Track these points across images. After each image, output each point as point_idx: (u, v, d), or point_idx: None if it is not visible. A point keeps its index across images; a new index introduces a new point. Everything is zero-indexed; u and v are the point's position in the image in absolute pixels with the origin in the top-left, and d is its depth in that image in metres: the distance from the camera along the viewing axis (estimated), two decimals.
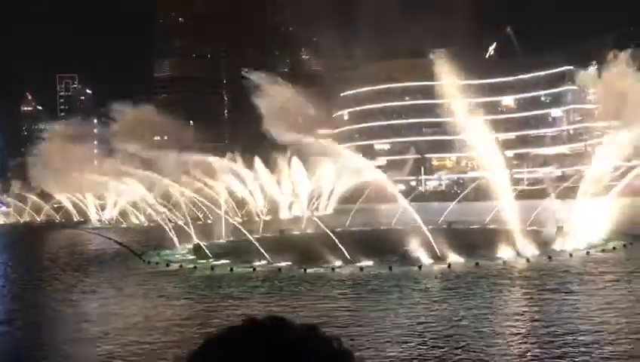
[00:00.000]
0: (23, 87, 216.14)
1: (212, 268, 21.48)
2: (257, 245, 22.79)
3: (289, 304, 14.63)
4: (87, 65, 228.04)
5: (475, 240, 23.99)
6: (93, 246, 35.08)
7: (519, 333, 11.01)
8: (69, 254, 30.12)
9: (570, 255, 20.99)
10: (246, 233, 25.88)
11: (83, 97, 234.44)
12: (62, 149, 64.40)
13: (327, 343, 1.16)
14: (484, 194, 36.42)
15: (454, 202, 38.67)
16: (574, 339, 10.19)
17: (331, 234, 23.18)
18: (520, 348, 10.09)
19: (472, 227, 33.47)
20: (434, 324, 11.81)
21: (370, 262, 20.31)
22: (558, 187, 28.89)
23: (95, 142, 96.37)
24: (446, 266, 19.47)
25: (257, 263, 21.48)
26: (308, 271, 19.61)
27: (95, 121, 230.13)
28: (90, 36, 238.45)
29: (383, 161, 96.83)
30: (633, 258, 20.06)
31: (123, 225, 56.72)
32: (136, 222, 56.87)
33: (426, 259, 20.26)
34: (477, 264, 19.51)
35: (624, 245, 22.98)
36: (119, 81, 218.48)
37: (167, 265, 22.91)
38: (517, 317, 12.34)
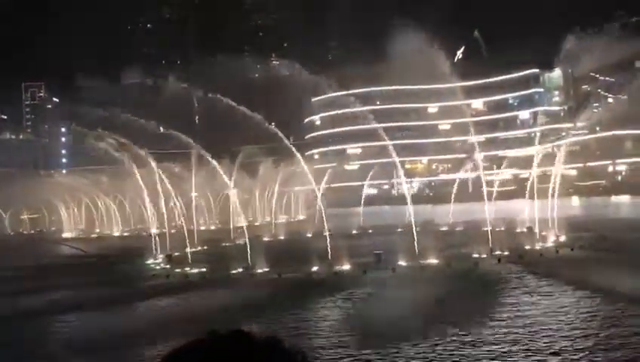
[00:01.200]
0: None
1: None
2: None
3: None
4: (53, 74, 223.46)
5: (450, 241, 24.39)
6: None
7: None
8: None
9: (541, 254, 21.41)
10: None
11: (50, 106, 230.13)
12: None
13: (290, 356, 1.12)
14: (458, 196, 36.99)
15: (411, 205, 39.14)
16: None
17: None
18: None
19: (443, 229, 33.86)
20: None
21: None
22: (527, 188, 29.43)
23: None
24: (419, 268, 19.69)
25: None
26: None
27: (63, 129, 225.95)
28: (57, 44, 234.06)
29: (356, 165, 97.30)
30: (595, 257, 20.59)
31: (93, 235, 55.93)
32: (107, 231, 56.18)
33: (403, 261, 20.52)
34: (449, 265, 19.77)
35: (592, 243, 23.52)
36: (87, 88, 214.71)
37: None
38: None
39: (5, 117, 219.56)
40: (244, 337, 1.12)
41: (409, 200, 26.88)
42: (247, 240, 22.89)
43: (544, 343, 9.93)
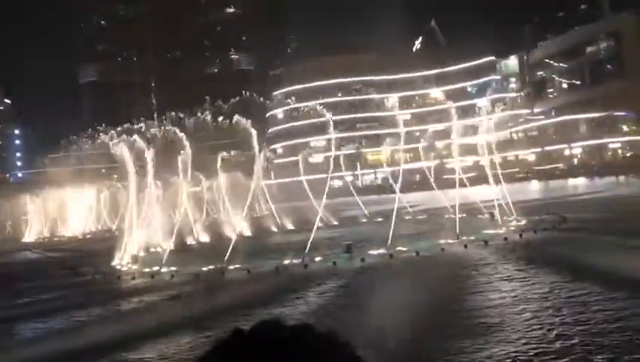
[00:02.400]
0: None
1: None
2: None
3: None
4: (4, 74, 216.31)
5: (416, 229, 24.70)
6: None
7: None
8: None
9: (505, 238, 21.83)
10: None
11: (2, 108, 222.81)
12: None
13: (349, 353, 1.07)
14: (421, 185, 37.44)
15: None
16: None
17: None
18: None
19: (408, 217, 34.23)
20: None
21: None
22: (488, 174, 29.96)
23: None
24: (388, 256, 19.86)
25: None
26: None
27: (17, 131, 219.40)
28: (6, 43, 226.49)
29: (319, 157, 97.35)
30: (559, 240, 21.14)
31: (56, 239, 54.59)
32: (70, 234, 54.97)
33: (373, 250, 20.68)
34: (417, 254, 19.99)
35: (553, 225, 24.13)
36: (41, 89, 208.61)
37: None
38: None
39: None
40: (278, 326, 1.07)
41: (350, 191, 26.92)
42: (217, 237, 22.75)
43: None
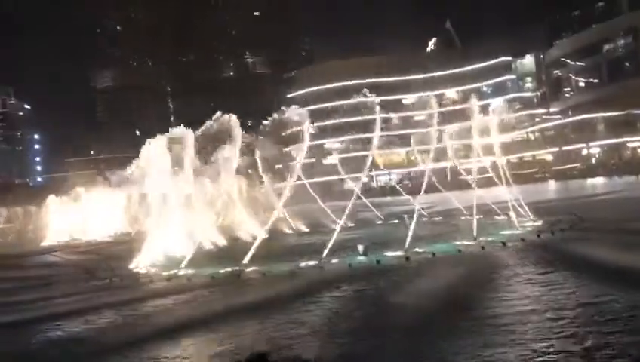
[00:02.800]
0: None
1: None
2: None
3: None
4: (23, 80, 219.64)
5: (433, 230, 24.54)
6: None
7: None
8: None
9: (522, 239, 21.58)
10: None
11: (21, 113, 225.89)
12: None
13: None
14: (437, 186, 37.22)
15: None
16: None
17: None
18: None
19: (425, 219, 34.02)
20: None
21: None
22: (504, 175, 29.67)
23: None
24: (404, 258, 19.72)
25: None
26: None
27: (36, 136, 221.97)
28: (25, 49, 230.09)
29: (335, 159, 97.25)
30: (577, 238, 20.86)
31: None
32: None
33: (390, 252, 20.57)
34: (434, 255, 19.83)
35: (571, 225, 23.82)
36: (58, 93, 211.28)
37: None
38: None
39: None
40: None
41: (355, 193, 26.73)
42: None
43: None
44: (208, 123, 27.16)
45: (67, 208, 61.60)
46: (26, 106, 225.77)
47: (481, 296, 13.14)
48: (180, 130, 27.82)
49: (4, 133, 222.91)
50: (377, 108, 29.62)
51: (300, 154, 26.75)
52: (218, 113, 27.01)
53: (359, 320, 12.17)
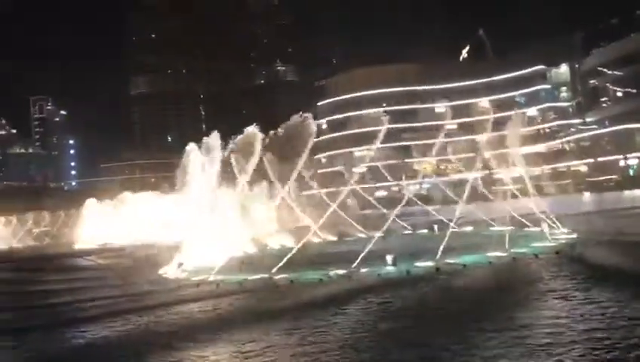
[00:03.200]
0: None
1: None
2: None
3: None
4: (60, 86, 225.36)
5: (463, 241, 24.14)
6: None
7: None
8: None
9: (557, 252, 21.06)
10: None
11: (58, 119, 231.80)
12: None
13: None
14: (469, 196, 36.67)
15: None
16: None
17: None
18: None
19: (455, 229, 33.53)
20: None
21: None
22: (538, 185, 29.08)
23: None
24: (435, 269, 19.42)
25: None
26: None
27: (71, 141, 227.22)
28: (62, 56, 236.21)
29: (363, 168, 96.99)
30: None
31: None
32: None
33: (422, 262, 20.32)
34: (465, 266, 19.48)
35: (608, 239, 23.16)
36: (94, 100, 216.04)
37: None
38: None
39: (15, 131, 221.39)
40: None
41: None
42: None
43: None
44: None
45: (101, 212, 62.66)
46: (62, 112, 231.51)
47: (513, 311, 12.67)
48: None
49: (41, 137, 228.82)
50: (384, 119, 29.60)
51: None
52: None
53: (385, 333, 11.93)
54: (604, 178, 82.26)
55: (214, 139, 28.64)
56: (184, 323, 14.83)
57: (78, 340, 13.97)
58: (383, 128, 27.96)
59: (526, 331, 10.81)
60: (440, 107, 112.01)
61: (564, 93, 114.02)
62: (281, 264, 21.57)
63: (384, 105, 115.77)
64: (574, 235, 25.14)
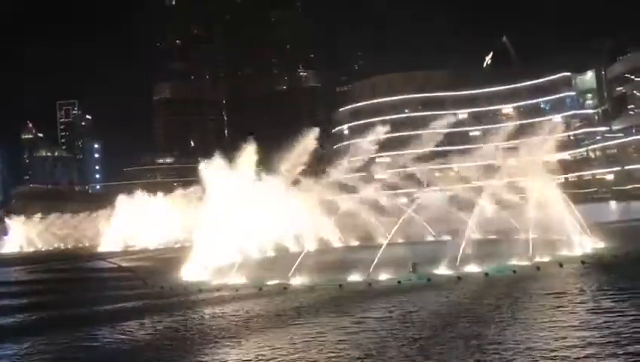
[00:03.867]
0: (22, 115, 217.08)
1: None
2: None
3: None
4: (86, 91, 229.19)
5: (486, 249, 23.78)
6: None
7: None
8: None
9: (582, 262, 20.61)
10: None
11: (83, 123, 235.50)
12: None
13: None
14: (494, 203, 36.17)
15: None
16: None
17: None
18: None
19: (477, 237, 33.09)
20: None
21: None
22: (563, 193, 28.52)
23: None
24: (456, 277, 19.15)
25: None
26: None
27: (96, 145, 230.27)
28: (88, 62, 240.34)
29: (384, 174, 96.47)
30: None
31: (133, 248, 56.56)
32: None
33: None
34: (487, 275, 19.18)
35: (637, 249, 22.60)
36: (119, 105, 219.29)
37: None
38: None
39: (41, 135, 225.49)
40: None
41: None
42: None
43: None
44: None
45: (122, 216, 63.28)
46: (88, 117, 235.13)
47: (536, 322, 12.33)
48: None
49: (67, 141, 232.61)
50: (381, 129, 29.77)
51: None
52: None
53: (408, 343, 11.63)
54: (630, 186, 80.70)
55: None
56: (204, 326, 14.82)
57: (102, 341, 14.03)
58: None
59: (546, 348, 10.38)
60: (463, 113, 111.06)
61: (589, 100, 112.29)
62: (296, 268, 21.49)
63: (406, 111, 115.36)
64: (601, 244, 24.62)
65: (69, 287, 26.91)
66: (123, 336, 14.25)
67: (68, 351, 13.14)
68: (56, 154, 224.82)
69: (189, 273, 26.16)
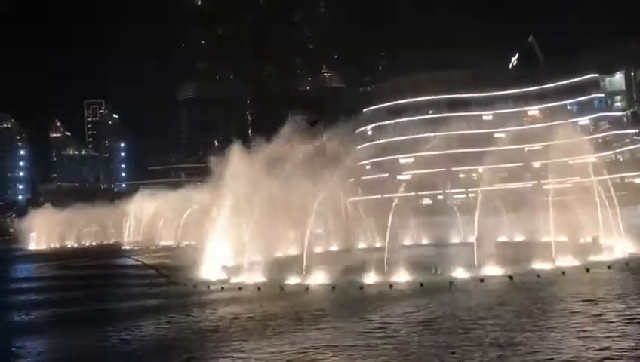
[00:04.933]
0: (51, 114, 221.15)
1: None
2: None
3: None
4: (113, 91, 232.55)
5: (510, 253, 23.41)
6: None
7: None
8: None
9: (609, 267, 20.15)
10: None
11: (110, 122, 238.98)
12: None
13: None
14: (516, 206, 35.68)
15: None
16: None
17: None
18: None
19: (502, 240, 32.65)
20: None
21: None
22: (590, 197, 27.95)
23: None
24: (479, 280, 18.89)
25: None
26: None
27: (122, 144, 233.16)
28: (116, 61, 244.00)
29: (408, 175, 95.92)
30: None
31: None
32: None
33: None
34: (511, 279, 18.87)
35: None
36: (144, 105, 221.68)
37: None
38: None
39: (69, 133, 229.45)
40: None
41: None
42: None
43: None
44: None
45: (146, 214, 63.94)
46: (115, 116, 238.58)
47: (561, 330, 11.95)
48: None
49: (94, 140, 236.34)
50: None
51: None
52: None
53: (429, 350, 11.40)
54: None
55: None
56: (225, 325, 14.83)
57: (125, 337, 14.13)
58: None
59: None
60: (488, 115, 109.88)
61: (618, 102, 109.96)
62: (314, 268, 21.38)
63: (430, 112, 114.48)
64: (630, 249, 24.04)
65: (96, 283, 27.25)
66: (147, 333, 14.33)
67: (94, 347, 13.28)
68: (83, 152, 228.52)
69: (211, 271, 26.27)
